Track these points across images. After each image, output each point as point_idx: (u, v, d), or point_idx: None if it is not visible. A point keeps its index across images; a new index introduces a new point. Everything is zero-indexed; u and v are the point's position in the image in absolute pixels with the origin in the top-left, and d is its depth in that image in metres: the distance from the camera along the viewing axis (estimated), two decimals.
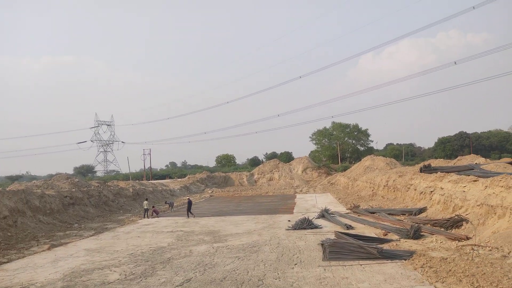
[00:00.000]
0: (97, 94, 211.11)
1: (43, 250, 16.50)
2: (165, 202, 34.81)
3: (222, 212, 28.36)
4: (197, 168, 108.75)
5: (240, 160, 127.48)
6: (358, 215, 22.32)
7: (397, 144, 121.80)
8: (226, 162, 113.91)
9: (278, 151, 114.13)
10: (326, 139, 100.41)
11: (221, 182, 66.20)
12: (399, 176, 30.03)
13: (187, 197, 29.14)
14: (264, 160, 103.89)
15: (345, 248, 12.71)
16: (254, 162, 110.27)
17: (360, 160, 65.31)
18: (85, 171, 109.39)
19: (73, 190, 30.42)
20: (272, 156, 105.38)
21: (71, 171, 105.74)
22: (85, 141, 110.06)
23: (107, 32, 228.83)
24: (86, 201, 30.14)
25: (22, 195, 23.95)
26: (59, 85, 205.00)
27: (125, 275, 11.83)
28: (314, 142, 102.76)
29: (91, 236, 20.09)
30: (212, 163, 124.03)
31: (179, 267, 12.45)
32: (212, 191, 53.10)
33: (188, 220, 24.68)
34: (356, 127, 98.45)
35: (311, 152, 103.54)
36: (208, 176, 66.93)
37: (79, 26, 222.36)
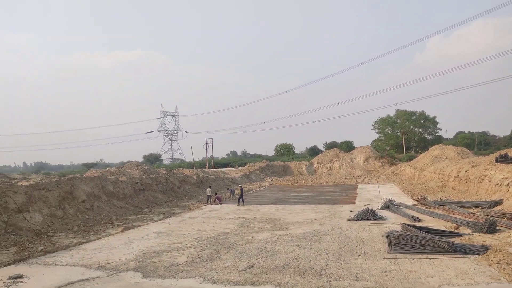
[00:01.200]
0: (163, 86, 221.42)
1: (117, 232, 17.78)
2: (228, 189, 35.79)
3: (282, 201, 28.53)
4: (256, 157, 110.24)
5: (299, 149, 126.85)
6: (426, 207, 21.26)
7: (469, 132, 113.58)
8: (285, 151, 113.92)
9: (338, 140, 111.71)
10: (389, 128, 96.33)
11: (280, 171, 66.44)
12: (472, 166, 28.04)
13: (240, 186, 30.08)
14: (323, 149, 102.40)
15: (412, 241, 12.19)
16: (313, 151, 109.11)
17: (427, 149, 61.89)
18: (153, 159, 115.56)
19: (143, 177, 32.36)
20: (332, 145, 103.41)
21: (140, 159, 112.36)
22: (152, 131, 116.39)
23: (171, 27, 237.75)
24: (154, 187, 31.94)
25: (98, 181, 25.96)
26: (127, 79, 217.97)
27: (192, 258, 12.40)
28: (376, 131, 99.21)
29: (160, 220, 21.29)
30: (271, 152, 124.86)
31: (242, 253, 12.79)
32: (272, 180, 53.54)
33: (249, 207, 25.18)
34: (422, 114, 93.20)
35: (373, 141, 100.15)
36: (267, 165, 67.50)
37: (144, 22, 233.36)
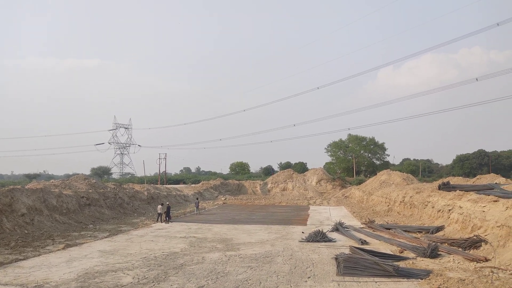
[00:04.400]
0: (117, 97, 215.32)
1: (58, 250, 16.70)
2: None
3: (235, 220, 28.30)
4: (211, 175, 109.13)
5: (254, 168, 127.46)
6: (373, 230, 21.97)
7: (414, 159, 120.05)
8: (240, 169, 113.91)
9: (293, 161, 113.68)
10: (341, 151, 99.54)
11: (235, 189, 66.14)
12: (417, 192, 29.49)
13: (167, 203, 29.15)
14: (278, 169, 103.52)
15: (360, 264, 12.48)
16: (268, 171, 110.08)
17: (376, 174, 64.42)
18: (101, 173, 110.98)
19: (90, 191, 30.83)
20: (286, 166, 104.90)
21: (87, 172, 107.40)
22: (103, 143, 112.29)
23: (130, 37, 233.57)
24: (102, 203, 30.50)
25: (40, 194, 24.40)
26: (81, 88, 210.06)
27: (138, 278, 11.86)
28: (329, 153, 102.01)
29: (105, 237, 20.27)
30: (226, 170, 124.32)
31: (191, 274, 12.43)
32: (225, 198, 53.10)
33: (201, 226, 24.70)
34: (372, 140, 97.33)
35: (326, 163, 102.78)
36: (221, 183, 66.97)
37: (103, 30, 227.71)
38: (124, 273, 12.55)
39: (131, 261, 14.46)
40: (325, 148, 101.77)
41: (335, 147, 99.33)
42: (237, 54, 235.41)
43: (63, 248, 16.92)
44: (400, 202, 31.43)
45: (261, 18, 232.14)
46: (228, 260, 14.62)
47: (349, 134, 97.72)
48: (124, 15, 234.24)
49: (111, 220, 28.01)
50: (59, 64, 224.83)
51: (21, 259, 14.67)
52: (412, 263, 13.87)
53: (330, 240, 18.90)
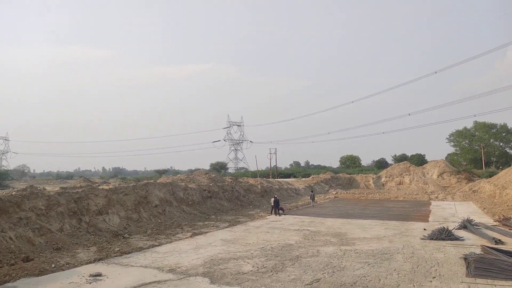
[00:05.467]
0: (229, 97, 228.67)
1: (187, 237, 18.53)
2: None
3: (348, 215, 27.73)
4: (320, 168, 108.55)
5: (366, 161, 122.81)
6: (509, 229, 19.37)
7: None
8: (350, 163, 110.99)
9: (408, 153, 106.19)
10: (466, 141, 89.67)
11: (345, 183, 64.65)
12: None
13: (275, 196, 28.67)
14: (392, 162, 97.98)
15: (494, 265, 11.18)
16: (381, 164, 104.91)
17: (510, 165, 56.50)
18: (219, 168, 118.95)
19: (211, 184, 33.46)
20: (401, 158, 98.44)
21: (207, 167, 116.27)
22: (219, 140, 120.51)
23: (238, 39, 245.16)
24: (221, 195, 32.84)
25: (170, 187, 27.33)
26: (199, 90, 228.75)
27: (257, 267, 12.51)
28: (452, 144, 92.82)
29: (226, 227, 21.80)
30: (335, 164, 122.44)
31: (307, 266, 12.64)
32: (337, 192, 52.29)
33: (313, 220, 24.84)
34: (504, 127, 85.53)
35: (448, 155, 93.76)
36: (332, 177, 66.07)
37: (213, 35, 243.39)
38: (244, 261, 13.37)
39: (250, 250, 15.32)
40: (447, 138, 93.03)
41: (459, 137, 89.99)
42: (345, 46, 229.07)
43: (191, 236, 18.72)
44: None
45: (367, 6, 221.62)
46: (344, 254, 14.46)
47: (475, 121, 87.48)
48: (235, 18, 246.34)
49: (230, 211, 29.96)
50: (180, 70, 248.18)
51: (156, 245, 16.66)
52: None
53: (457, 239, 17.26)
